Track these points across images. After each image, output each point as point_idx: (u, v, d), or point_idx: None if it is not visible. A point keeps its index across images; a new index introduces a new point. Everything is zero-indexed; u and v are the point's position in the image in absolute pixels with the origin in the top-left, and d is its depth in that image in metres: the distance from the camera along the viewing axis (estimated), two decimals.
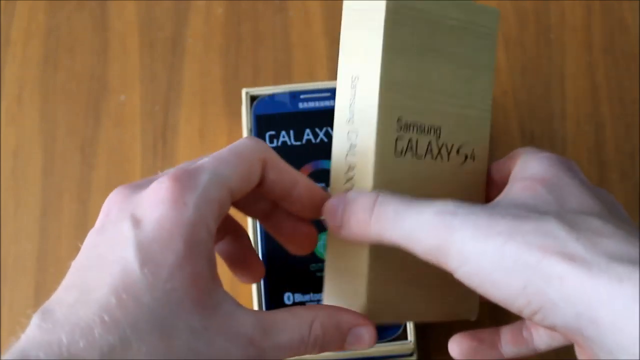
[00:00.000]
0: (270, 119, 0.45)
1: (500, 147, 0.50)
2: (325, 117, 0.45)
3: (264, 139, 0.45)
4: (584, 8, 0.53)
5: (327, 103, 0.45)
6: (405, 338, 0.41)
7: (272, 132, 0.45)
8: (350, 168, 0.35)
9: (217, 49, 0.52)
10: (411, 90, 0.35)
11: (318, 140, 0.45)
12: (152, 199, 0.29)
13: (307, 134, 0.45)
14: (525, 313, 0.28)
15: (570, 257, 0.27)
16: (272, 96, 0.46)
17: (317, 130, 0.45)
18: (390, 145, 0.34)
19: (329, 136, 0.45)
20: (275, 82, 0.51)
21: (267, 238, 0.43)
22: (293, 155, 0.44)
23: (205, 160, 0.31)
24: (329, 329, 0.31)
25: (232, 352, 0.28)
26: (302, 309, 0.32)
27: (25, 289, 0.47)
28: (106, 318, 0.27)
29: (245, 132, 0.45)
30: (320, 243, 0.42)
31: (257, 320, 0.30)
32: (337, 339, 0.32)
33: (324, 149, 0.44)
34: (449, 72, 0.37)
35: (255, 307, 0.41)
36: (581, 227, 0.28)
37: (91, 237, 0.31)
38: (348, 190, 0.34)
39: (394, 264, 0.34)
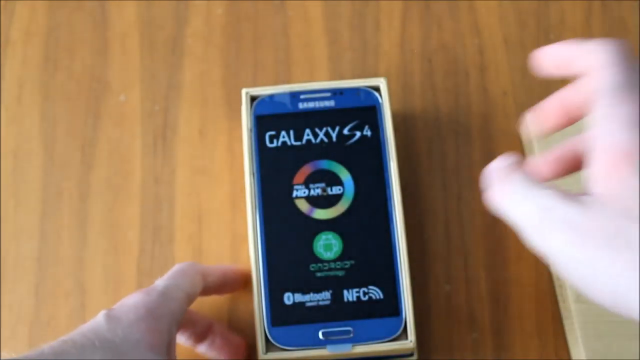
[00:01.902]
0: (270, 119, 0.45)
1: (500, 149, 0.50)
2: (326, 117, 0.45)
3: (263, 139, 0.45)
4: (584, 8, 0.53)
5: (327, 103, 0.45)
6: (406, 338, 0.41)
7: (272, 132, 0.45)
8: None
9: (217, 49, 0.52)
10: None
11: (318, 140, 0.45)
12: (126, 297, 0.38)
13: (307, 134, 0.45)
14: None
15: None
16: (272, 96, 0.45)
17: (317, 130, 0.45)
18: None
19: (329, 136, 0.45)
20: (275, 82, 0.51)
21: (267, 239, 0.43)
22: (293, 156, 0.44)
23: (158, 280, 0.40)
24: None
25: None
26: None
27: (25, 289, 0.47)
28: (68, 342, 0.34)
29: (245, 132, 0.45)
30: (319, 243, 0.43)
31: None
32: None
33: (324, 149, 0.44)
34: None
35: (256, 308, 0.41)
36: None
37: None
38: None
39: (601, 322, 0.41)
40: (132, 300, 0.38)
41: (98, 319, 0.36)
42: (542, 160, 0.36)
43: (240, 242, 0.47)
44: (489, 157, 0.49)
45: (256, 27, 0.53)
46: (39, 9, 0.53)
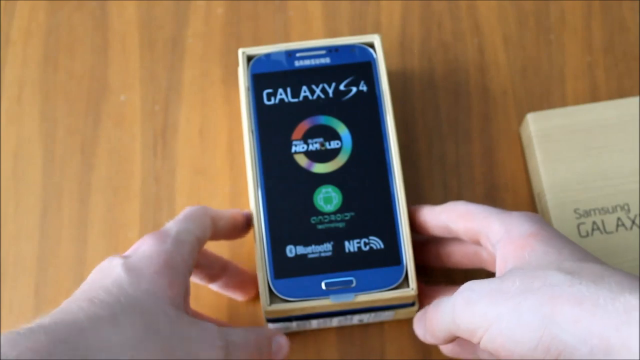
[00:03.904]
0: (267, 77, 0.45)
1: (501, 149, 0.50)
2: (322, 74, 0.45)
3: (261, 97, 0.45)
4: (584, 8, 0.53)
5: (322, 60, 0.46)
6: (407, 286, 0.41)
7: (270, 90, 0.45)
8: None
9: (217, 49, 0.52)
10: (582, 184, 0.45)
11: (315, 96, 0.45)
12: (139, 243, 0.38)
13: (304, 91, 0.45)
14: None
15: (578, 301, 0.31)
16: (268, 55, 0.46)
17: (314, 87, 0.45)
18: (573, 231, 0.44)
19: (326, 92, 0.45)
20: None
21: (268, 194, 0.43)
22: (291, 112, 0.44)
23: (169, 223, 0.40)
24: (268, 341, 0.40)
25: (204, 337, 0.35)
26: (252, 327, 0.40)
27: (25, 289, 0.47)
28: (95, 300, 0.33)
29: (242, 91, 0.45)
30: (319, 196, 0.43)
31: (214, 326, 0.36)
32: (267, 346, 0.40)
33: (321, 105, 0.45)
34: (621, 158, 0.46)
35: (259, 261, 0.42)
36: (582, 273, 0.32)
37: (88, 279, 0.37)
38: None
39: None
40: (147, 248, 0.37)
41: (117, 271, 0.35)
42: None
43: (240, 242, 0.47)
44: (489, 157, 0.49)
45: (256, 27, 0.53)
46: (39, 9, 0.53)
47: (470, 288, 0.35)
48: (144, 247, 0.37)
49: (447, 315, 0.36)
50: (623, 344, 0.29)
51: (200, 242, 0.40)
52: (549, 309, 0.31)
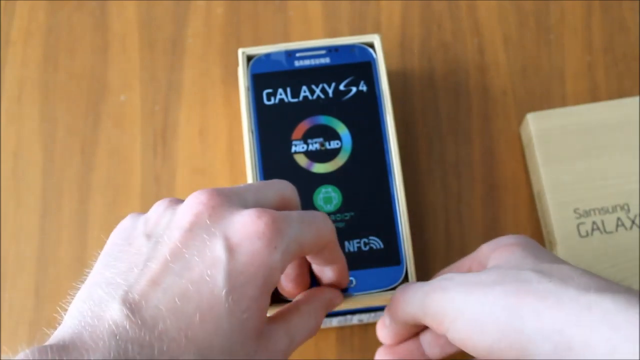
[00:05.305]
0: (266, 77, 0.45)
1: (501, 149, 0.50)
2: (321, 74, 0.45)
3: (261, 97, 0.45)
4: (584, 8, 0.53)
5: (322, 60, 0.46)
6: None
7: (269, 90, 0.45)
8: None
9: (217, 49, 0.52)
10: (582, 184, 0.46)
11: (315, 96, 0.45)
12: (250, 230, 0.31)
13: (304, 91, 0.45)
14: (510, 356, 0.32)
15: (543, 296, 0.31)
16: (268, 55, 0.46)
17: (314, 87, 0.45)
18: (573, 231, 0.45)
19: (326, 92, 0.45)
20: None
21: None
22: (290, 112, 0.45)
23: (294, 213, 0.34)
24: (326, 310, 0.37)
25: None
26: (306, 306, 0.36)
27: (25, 289, 0.47)
28: (190, 335, 0.29)
29: (242, 91, 0.45)
30: (319, 197, 0.43)
31: (284, 332, 0.34)
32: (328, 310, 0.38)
33: (321, 105, 0.45)
34: (621, 158, 0.46)
35: None
36: (553, 273, 0.33)
37: (179, 232, 0.32)
38: None
39: None
40: (255, 250, 0.31)
41: (217, 284, 0.30)
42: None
43: None
44: (489, 157, 0.49)
45: (256, 27, 0.53)
46: (39, 9, 0.53)
47: (447, 277, 0.35)
48: (254, 247, 0.31)
49: (417, 299, 0.36)
50: (583, 340, 0.30)
51: (301, 255, 0.34)
52: (514, 300, 0.32)
